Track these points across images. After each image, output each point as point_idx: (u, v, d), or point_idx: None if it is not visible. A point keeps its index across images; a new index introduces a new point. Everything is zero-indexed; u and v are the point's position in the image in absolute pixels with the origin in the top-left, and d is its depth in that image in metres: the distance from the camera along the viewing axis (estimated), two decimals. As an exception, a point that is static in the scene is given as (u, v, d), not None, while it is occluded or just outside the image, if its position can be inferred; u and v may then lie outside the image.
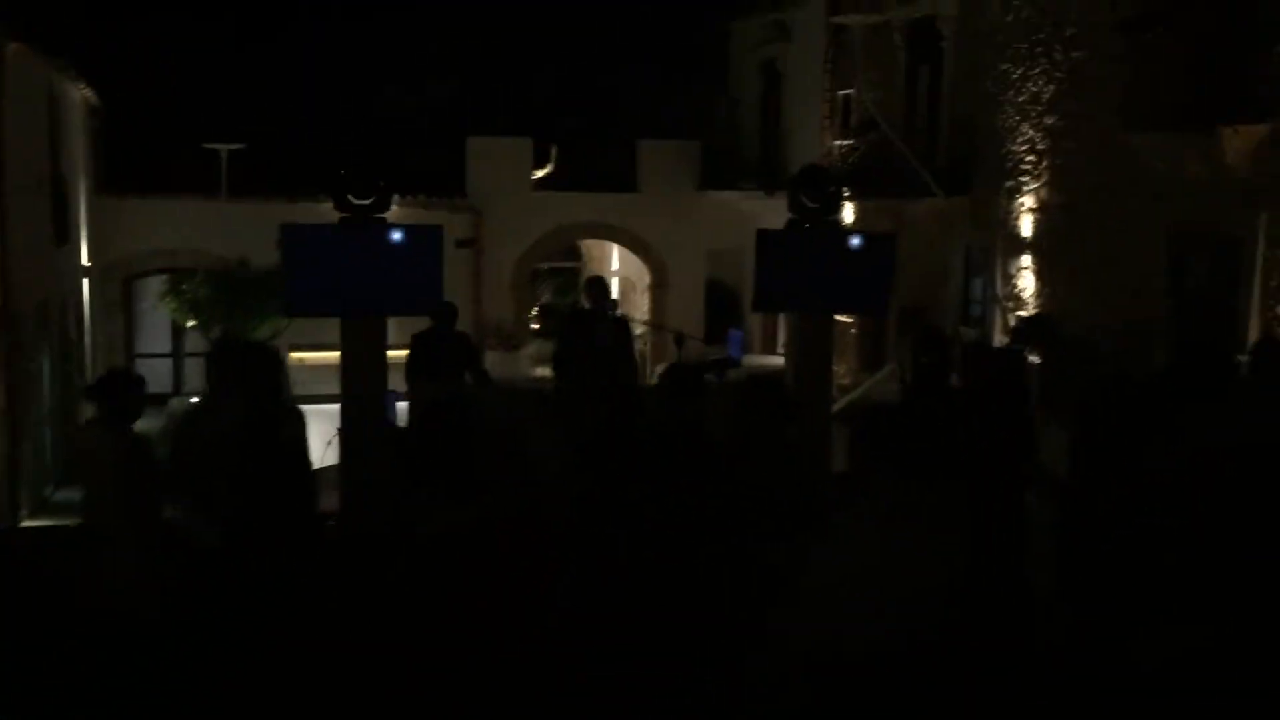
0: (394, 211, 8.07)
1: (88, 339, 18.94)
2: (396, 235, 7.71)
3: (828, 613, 3.82)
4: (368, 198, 7.75)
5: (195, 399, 16.42)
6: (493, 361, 19.75)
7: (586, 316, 9.64)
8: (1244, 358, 5.93)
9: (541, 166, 22.67)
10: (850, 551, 3.91)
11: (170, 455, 5.86)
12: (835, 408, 11.86)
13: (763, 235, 8.67)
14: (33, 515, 13.42)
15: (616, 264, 24.90)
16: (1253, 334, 11.12)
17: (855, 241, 8.62)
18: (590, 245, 25.32)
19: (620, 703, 4.46)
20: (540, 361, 19.86)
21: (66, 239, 16.80)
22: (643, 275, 22.98)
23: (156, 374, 20.50)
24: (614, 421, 5.85)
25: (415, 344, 9.74)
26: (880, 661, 3.70)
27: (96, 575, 5.61)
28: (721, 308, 22.39)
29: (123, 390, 5.90)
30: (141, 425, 6.13)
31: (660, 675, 4.60)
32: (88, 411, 18.86)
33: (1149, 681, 4.17)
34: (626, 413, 5.99)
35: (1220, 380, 5.07)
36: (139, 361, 20.78)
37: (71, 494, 14.99)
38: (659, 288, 22.42)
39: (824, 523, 4.60)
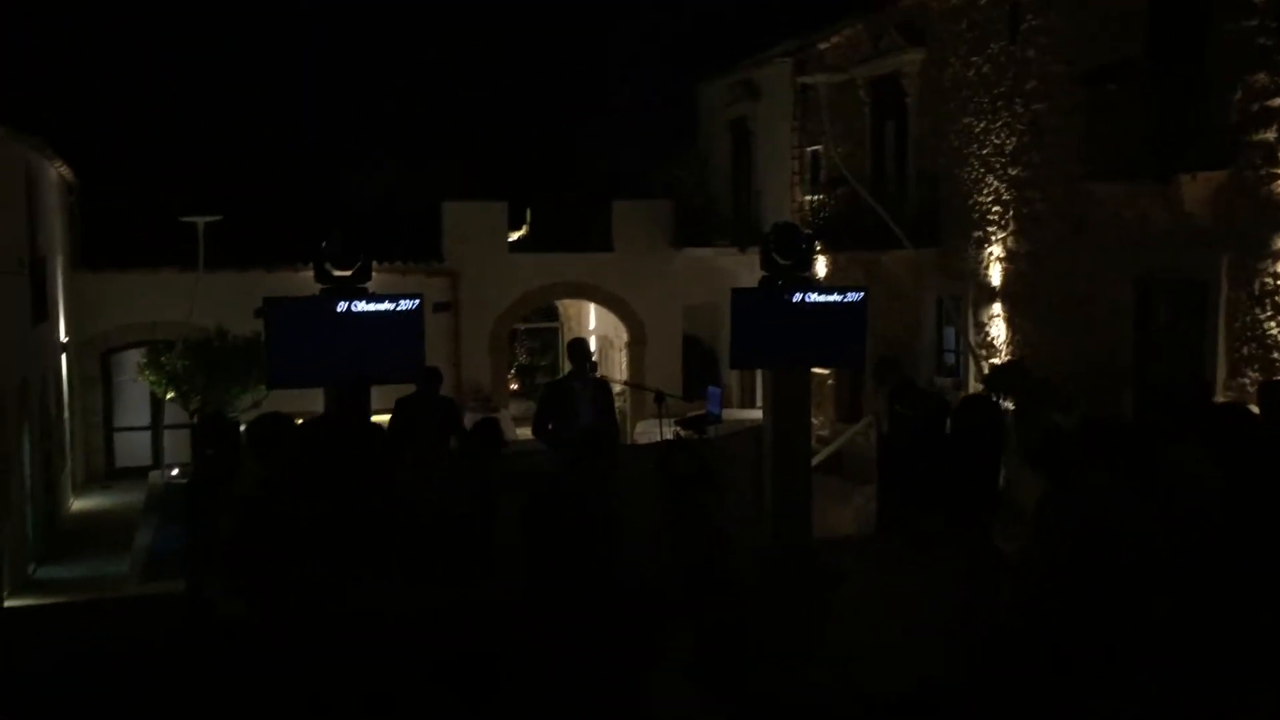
0: (371, 278, 8.22)
1: (67, 414, 18.91)
2: (378, 306, 7.84)
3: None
4: (348, 269, 7.89)
5: (175, 471, 16.50)
6: (472, 424, 19.81)
7: (567, 382, 9.75)
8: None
9: (517, 229, 22.89)
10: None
11: (190, 531, 5.94)
12: (815, 460, 11.98)
13: (738, 294, 8.83)
14: (15, 594, 13.33)
15: (594, 323, 25.07)
16: (1220, 374, 11.34)
17: (828, 297, 8.79)
18: (567, 305, 25.51)
19: None
20: (521, 422, 19.92)
21: (45, 316, 16.85)
22: (620, 333, 23.15)
23: (136, 447, 20.50)
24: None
25: (399, 410, 9.81)
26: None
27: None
28: (699, 363, 22.55)
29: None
30: (125, 499, 6.23)
31: None
32: (68, 488, 18.66)
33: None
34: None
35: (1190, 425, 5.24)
36: (118, 435, 20.78)
37: (54, 571, 14.93)
38: (636, 345, 22.59)
39: (811, 575, 4.71)
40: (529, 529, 5.50)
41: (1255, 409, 7.44)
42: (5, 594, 12.94)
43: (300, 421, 6.59)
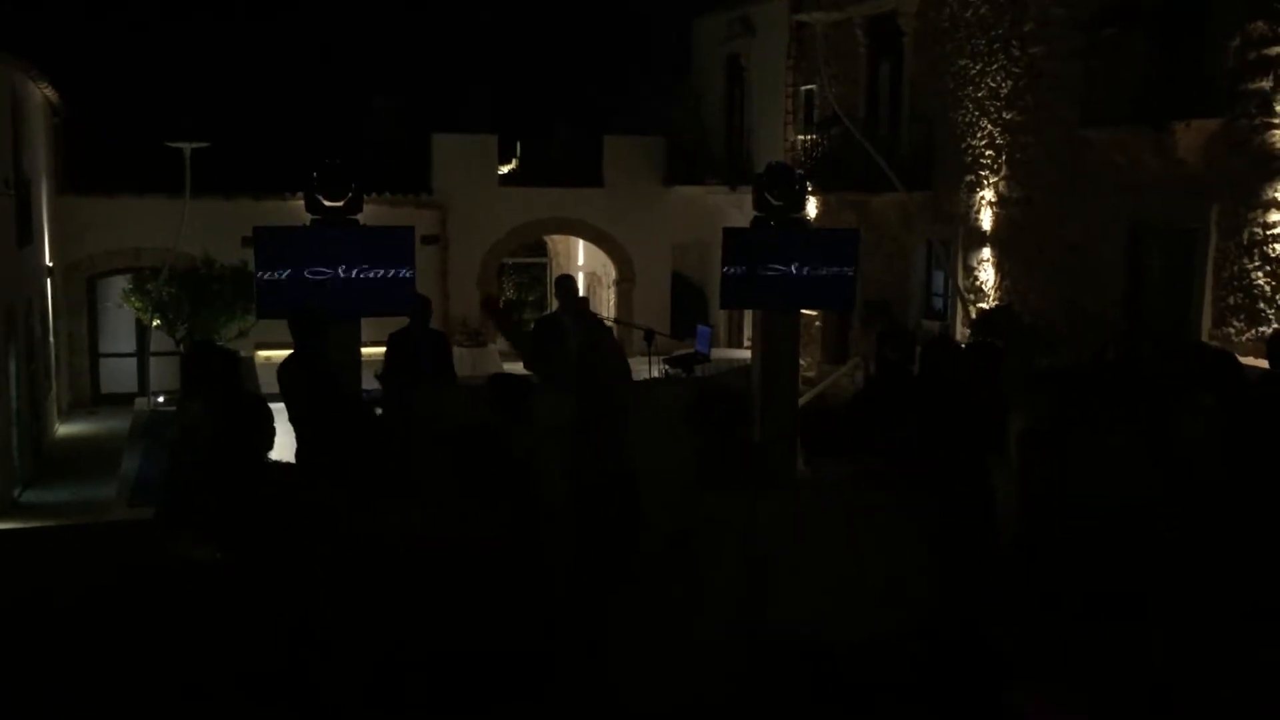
0: (363, 209, 8.15)
1: (52, 339, 18.84)
2: (369, 237, 7.80)
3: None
4: (340, 200, 7.83)
5: (161, 398, 16.49)
6: (461, 358, 19.80)
7: (557, 317, 9.69)
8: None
9: (506, 162, 22.72)
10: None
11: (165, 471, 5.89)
12: (801, 401, 12.02)
13: (729, 233, 8.82)
14: (1, 517, 13.37)
15: (582, 259, 24.98)
16: (1205, 323, 11.40)
17: (819, 237, 8.79)
18: (556, 240, 25.39)
19: None
20: (508, 356, 19.92)
21: (30, 240, 16.72)
22: (608, 270, 23.09)
23: (122, 374, 20.45)
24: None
25: (391, 344, 9.68)
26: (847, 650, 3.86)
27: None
28: (688, 302, 22.53)
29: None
30: (110, 425, 6.16)
31: None
32: (54, 413, 18.59)
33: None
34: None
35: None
36: (104, 361, 20.71)
37: (41, 494, 14.98)
38: (625, 282, 22.54)
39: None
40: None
41: (1252, 360, 7.50)
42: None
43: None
